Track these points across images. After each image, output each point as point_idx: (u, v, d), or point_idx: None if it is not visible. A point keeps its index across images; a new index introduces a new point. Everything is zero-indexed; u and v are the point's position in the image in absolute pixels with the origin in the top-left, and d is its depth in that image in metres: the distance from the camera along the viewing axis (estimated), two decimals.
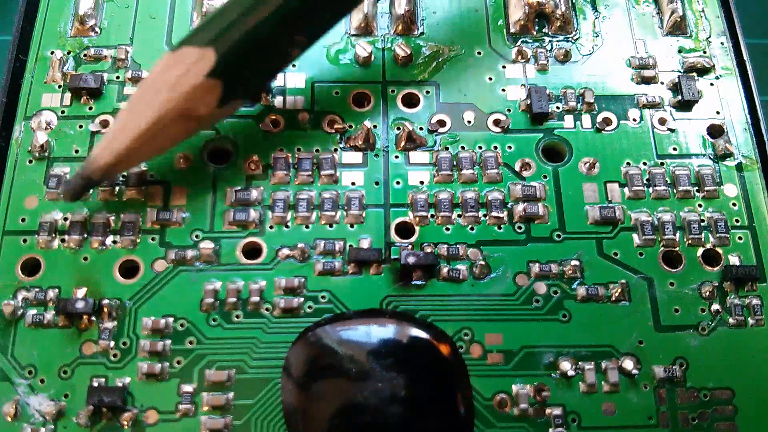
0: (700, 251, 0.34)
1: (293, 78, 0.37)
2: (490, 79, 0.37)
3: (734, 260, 0.34)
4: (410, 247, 0.33)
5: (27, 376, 0.31)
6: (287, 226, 0.34)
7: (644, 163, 0.36)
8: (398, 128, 0.36)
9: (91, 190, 0.33)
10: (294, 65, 0.37)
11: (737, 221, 0.35)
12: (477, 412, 0.31)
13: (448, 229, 0.34)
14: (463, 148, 0.36)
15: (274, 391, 0.31)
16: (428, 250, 0.33)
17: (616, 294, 0.33)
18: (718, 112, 0.37)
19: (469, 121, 0.36)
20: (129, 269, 0.33)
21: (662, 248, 0.34)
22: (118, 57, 0.37)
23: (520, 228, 0.34)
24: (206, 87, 0.30)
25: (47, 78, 0.36)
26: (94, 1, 0.38)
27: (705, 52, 0.38)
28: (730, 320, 0.33)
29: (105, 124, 0.35)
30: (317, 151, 0.35)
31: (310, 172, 0.35)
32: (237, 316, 0.32)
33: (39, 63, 0.37)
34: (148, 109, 0.30)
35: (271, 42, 0.32)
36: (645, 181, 0.35)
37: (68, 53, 0.37)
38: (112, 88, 0.36)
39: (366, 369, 0.30)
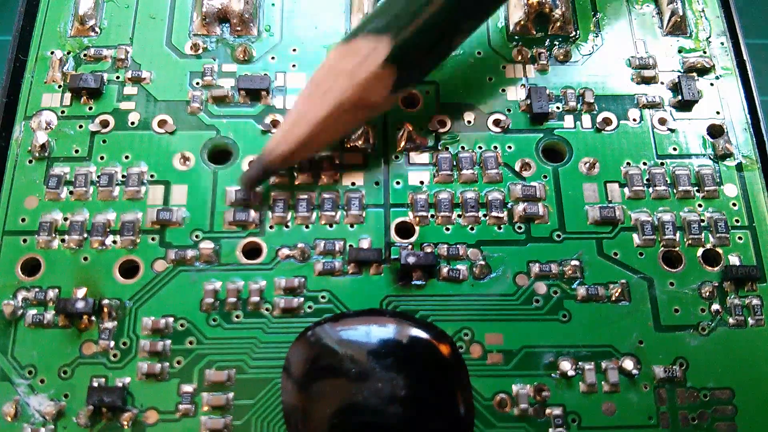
0: (700, 251, 0.34)
1: (293, 78, 0.37)
2: (490, 79, 0.37)
3: (734, 260, 0.34)
4: (410, 247, 0.33)
5: (27, 376, 0.31)
6: (287, 226, 0.34)
7: (644, 163, 0.36)
8: (398, 128, 0.36)
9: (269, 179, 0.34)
10: (294, 65, 0.37)
11: (737, 221, 0.35)
12: (477, 412, 0.31)
13: (448, 229, 0.34)
14: (463, 148, 0.36)
15: (274, 391, 0.31)
16: (428, 250, 0.33)
17: (616, 294, 0.33)
18: (718, 112, 0.37)
19: (469, 121, 0.36)
20: (129, 269, 0.33)
21: (662, 248, 0.34)
22: (118, 57, 0.37)
23: (520, 228, 0.34)
24: (382, 75, 0.31)
25: (47, 78, 0.36)
26: (94, 1, 0.38)
27: (705, 52, 0.38)
28: (730, 320, 0.33)
29: (105, 124, 0.35)
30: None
31: (310, 172, 0.35)
32: (237, 316, 0.32)
33: (39, 63, 0.37)
34: (325, 99, 0.31)
35: (442, 29, 0.32)
36: (645, 181, 0.35)
37: (68, 53, 0.37)
38: (112, 88, 0.36)
39: (366, 369, 0.30)
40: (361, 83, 0.31)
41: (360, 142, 0.35)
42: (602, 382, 0.32)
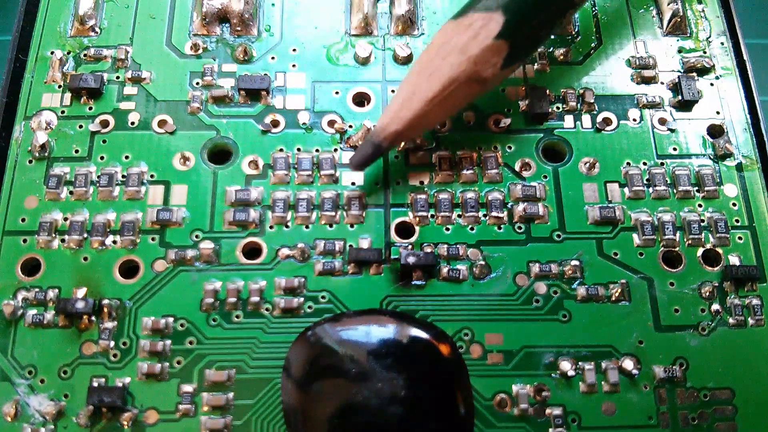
0: (700, 251, 0.34)
1: (293, 78, 0.37)
2: None
3: (734, 260, 0.34)
4: (410, 247, 0.33)
5: (27, 376, 0.31)
6: (287, 226, 0.34)
7: (644, 163, 0.36)
8: None
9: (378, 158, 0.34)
10: (294, 65, 0.37)
11: (737, 221, 0.35)
12: (477, 412, 0.31)
13: (448, 229, 0.34)
14: (463, 148, 0.36)
15: (274, 391, 0.31)
16: (428, 250, 0.33)
17: (616, 294, 0.33)
18: (718, 112, 0.37)
19: (469, 121, 0.36)
20: (129, 269, 0.33)
21: (662, 248, 0.34)
22: (118, 57, 0.37)
23: (520, 228, 0.34)
24: (494, 48, 0.32)
25: (47, 78, 0.36)
26: (94, 1, 0.38)
27: (705, 52, 0.38)
28: (730, 320, 0.33)
29: (105, 124, 0.35)
30: (317, 151, 0.35)
31: (310, 172, 0.35)
32: (237, 316, 0.32)
33: (39, 63, 0.37)
34: (437, 75, 0.32)
35: (555, 3, 0.33)
36: (645, 181, 0.35)
37: (68, 53, 0.37)
38: (112, 88, 0.36)
39: (366, 369, 0.30)
40: (474, 58, 0.31)
41: (360, 142, 0.35)
42: (602, 382, 0.32)
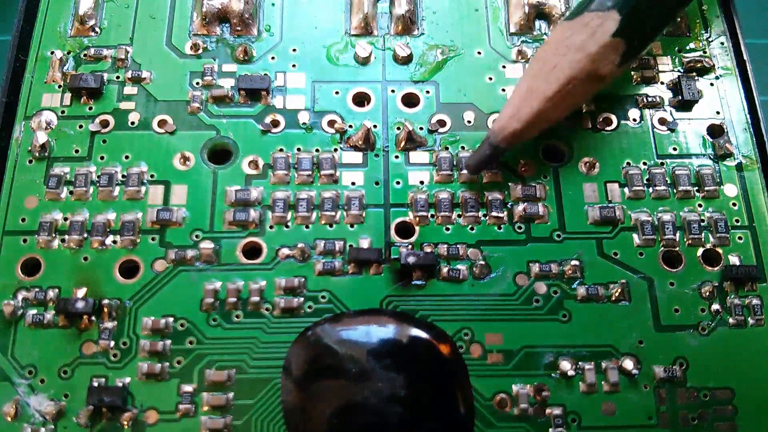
0: (700, 251, 0.34)
1: (293, 78, 0.37)
2: (490, 79, 0.37)
3: (734, 260, 0.34)
4: (410, 247, 0.33)
5: (27, 376, 0.31)
6: (287, 226, 0.34)
7: (644, 163, 0.36)
8: (398, 128, 0.36)
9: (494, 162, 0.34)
10: (294, 65, 0.37)
11: (737, 221, 0.35)
12: (477, 412, 0.31)
13: (448, 229, 0.34)
14: (463, 148, 0.36)
15: (274, 391, 0.31)
16: (428, 250, 0.33)
17: (616, 294, 0.33)
18: (718, 112, 0.37)
19: (469, 121, 0.36)
20: (129, 269, 0.33)
21: (662, 248, 0.34)
22: (118, 57, 0.37)
23: (520, 228, 0.34)
24: (612, 46, 0.32)
25: (47, 78, 0.36)
26: (94, 1, 0.38)
27: (705, 52, 0.38)
28: (730, 320, 0.33)
29: (105, 124, 0.35)
30: (317, 151, 0.35)
31: (310, 172, 0.35)
32: (237, 316, 0.32)
33: (39, 63, 0.37)
34: (554, 74, 0.32)
35: (666, 1, 0.34)
36: (645, 181, 0.35)
37: (68, 53, 0.37)
38: (112, 88, 0.36)
39: (366, 369, 0.30)
40: (593, 55, 0.32)
41: (360, 142, 0.35)
42: (602, 382, 0.32)
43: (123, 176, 0.34)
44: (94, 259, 0.33)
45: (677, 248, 0.34)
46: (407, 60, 0.37)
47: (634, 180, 0.35)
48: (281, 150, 0.35)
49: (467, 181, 0.35)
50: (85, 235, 0.33)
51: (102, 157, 0.35)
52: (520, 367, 0.32)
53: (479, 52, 0.38)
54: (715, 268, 0.34)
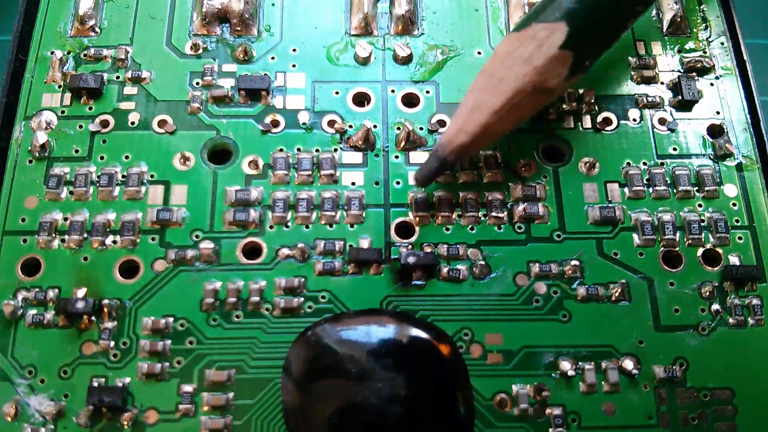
0: (700, 251, 0.34)
1: (293, 78, 0.37)
2: None
3: (734, 260, 0.34)
4: (410, 247, 0.33)
5: (27, 376, 0.31)
6: (287, 226, 0.34)
7: (644, 163, 0.36)
8: (398, 128, 0.36)
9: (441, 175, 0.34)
10: (294, 65, 0.37)
11: (737, 221, 0.35)
12: (477, 412, 0.31)
13: (448, 229, 0.34)
14: None
15: (274, 391, 0.31)
16: (428, 250, 0.33)
17: (616, 294, 0.33)
18: (718, 112, 0.37)
19: None
20: (129, 269, 0.33)
21: (662, 248, 0.34)
22: (118, 57, 0.37)
23: (520, 228, 0.34)
24: (559, 58, 0.32)
25: (47, 78, 0.36)
26: (94, 1, 0.38)
27: (705, 52, 0.38)
28: (730, 320, 0.33)
29: (105, 124, 0.35)
30: (317, 151, 0.35)
31: (310, 172, 0.35)
32: (237, 316, 0.32)
33: (39, 63, 0.37)
34: (501, 86, 0.32)
35: (617, 13, 0.33)
36: (645, 181, 0.35)
37: (68, 53, 0.37)
38: (112, 88, 0.36)
39: (366, 369, 0.30)
40: (539, 68, 0.32)
41: (360, 142, 0.35)
42: (602, 382, 0.32)
43: (123, 176, 0.34)
44: (94, 259, 0.33)
45: (677, 248, 0.34)
46: (407, 60, 0.37)
47: (634, 180, 0.35)
48: (281, 150, 0.35)
49: (420, 186, 0.34)
50: (85, 235, 0.33)
51: (102, 157, 0.35)
52: (520, 367, 0.32)
53: (479, 52, 0.38)
54: (715, 268, 0.34)
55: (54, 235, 0.33)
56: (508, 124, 0.33)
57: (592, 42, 0.33)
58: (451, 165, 0.33)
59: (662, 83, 0.37)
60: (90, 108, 0.36)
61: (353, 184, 0.35)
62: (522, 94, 0.32)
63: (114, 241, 0.33)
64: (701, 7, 0.40)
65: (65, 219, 0.33)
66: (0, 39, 0.48)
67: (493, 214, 0.34)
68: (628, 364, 0.32)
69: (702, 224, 0.34)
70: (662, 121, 0.37)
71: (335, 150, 0.35)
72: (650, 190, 0.35)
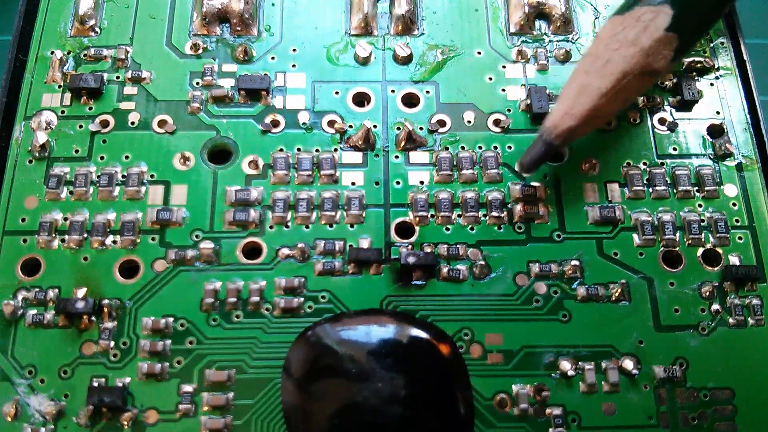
0: (700, 251, 0.34)
1: (293, 78, 0.37)
2: (490, 79, 0.37)
3: (734, 260, 0.34)
4: (410, 247, 0.33)
5: (27, 376, 0.31)
6: (287, 226, 0.34)
7: (644, 163, 0.36)
8: (398, 128, 0.36)
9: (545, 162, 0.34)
10: (294, 65, 0.37)
11: (737, 221, 0.35)
12: (477, 412, 0.31)
13: (448, 229, 0.34)
14: (463, 148, 0.36)
15: (274, 391, 0.31)
16: (428, 250, 0.33)
17: (616, 294, 0.33)
18: (718, 112, 0.37)
19: (469, 121, 0.36)
20: (129, 269, 0.33)
21: (662, 248, 0.34)
22: (118, 57, 0.37)
23: (520, 228, 0.34)
24: (665, 40, 0.32)
25: (47, 78, 0.36)
26: (94, 1, 0.38)
27: (705, 52, 0.38)
28: (730, 320, 0.33)
29: (105, 124, 0.35)
30: (317, 151, 0.35)
31: (310, 172, 0.35)
32: (237, 316, 0.32)
33: (39, 63, 0.37)
34: (607, 69, 0.32)
35: None
36: (645, 181, 0.35)
37: (68, 53, 0.37)
38: (112, 88, 0.36)
39: (366, 369, 0.30)
40: (646, 50, 0.32)
41: (360, 142, 0.35)
42: (602, 382, 0.32)
43: (123, 176, 0.34)
44: (94, 259, 0.33)
45: (677, 248, 0.34)
46: (407, 60, 0.37)
47: (634, 180, 0.35)
48: (281, 150, 0.35)
49: (525, 174, 0.34)
50: (85, 235, 0.33)
51: (102, 157, 0.35)
52: (520, 367, 0.32)
53: (479, 52, 0.38)
54: (715, 268, 0.34)
55: (54, 235, 0.33)
56: (616, 107, 0.33)
57: (695, 24, 0.33)
58: (558, 149, 0.33)
59: (662, 83, 0.37)
60: (90, 108, 0.36)
61: (353, 184, 0.35)
62: (629, 76, 0.32)
63: (114, 241, 0.33)
64: None
65: (65, 219, 0.33)
66: (0, 39, 0.48)
67: (493, 214, 0.34)
68: (628, 364, 0.32)
69: (702, 224, 0.34)
70: (662, 121, 0.37)
71: (335, 150, 0.35)
72: (650, 190, 0.35)
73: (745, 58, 0.38)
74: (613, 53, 0.32)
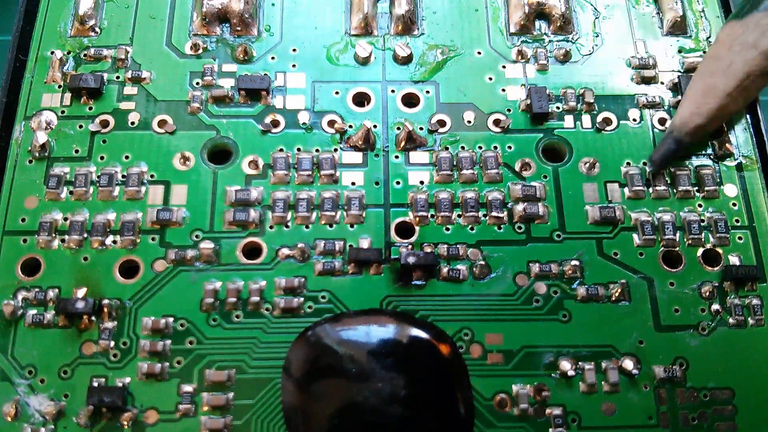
0: (700, 251, 0.34)
1: (293, 78, 0.37)
2: (490, 79, 0.37)
3: (734, 260, 0.34)
4: (410, 247, 0.33)
5: (27, 376, 0.31)
6: (287, 226, 0.34)
7: (644, 163, 0.36)
8: (398, 128, 0.36)
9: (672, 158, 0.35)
10: (294, 65, 0.37)
11: (737, 221, 0.35)
12: (477, 412, 0.31)
13: (448, 229, 0.34)
14: (463, 148, 0.36)
15: (274, 391, 0.31)
16: (428, 250, 0.33)
17: (616, 294, 0.33)
18: None
19: (469, 121, 0.36)
20: (129, 269, 0.33)
21: (662, 248, 0.34)
22: (118, 57, 0.37)
23: (520, 228, 0.34)
24: None
25: (47, 78, 0.36)
26: (94, 1, 0.38)
27: (705, 52, 0.38)
28: (730, 320, 0.33)
29: (105, 124, 0.35)
30: (317, 151, 0.35)
31: (310, 172, 0.35)
32: (237, 316, 0.32)
33: (39, 63, 0.37)
34: (731, 71, 0.35)
35: None
36: (645, 181, 0.35)
37: (68, 53, 0.37)
38: (111, 88, 0.36)
39: (366, 369, 0.30)
40: (765, 52, 0.34)
41: (360, 142, 0.35)
42: (602, 382, 0.32)
43: (123, 176, 0.34)
44: (94, 259, 0.33)
45: (677, 248, 0.34)
46: (407, 60, 0.37)
47: (634, 180, 0.35)
48: (281, 150, 0.35)
49: (655, 172, 0.35)
50: (85, 235, 0.33)
51: (102, 157, 0.35)
52: (520, 367, 0.32)
53: (479, 52, 0.38)
54: (715, 268, 0.34)
55: (54, 235, 0.33)
56: (739, 105, 0.36)
57: None
58: (688, 145, 0.35)
59: (662, 83, 0.37)
60: (90, 108, 0.36)
61: (353, 184, 0.35)
62: (751, 77, 0.35)
63: (114, 241, 0.33)
64: (701, 7, 0.40)
65: (65, 219, 0.33)
66: (0, 39, 0.48)
67: (493, 214, 0.34)
68: (628, 364, 0.32)
69: (702, 224, 0.34)
70: (662, 121, 0.37)
71: (335, 150, 0.35)
72: (650, 190, 0.35)
73: None
74: (735, 56, 0.35)
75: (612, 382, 0.31)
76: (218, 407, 0.31)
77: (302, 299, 0.32)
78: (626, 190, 0.35)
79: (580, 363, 0.32)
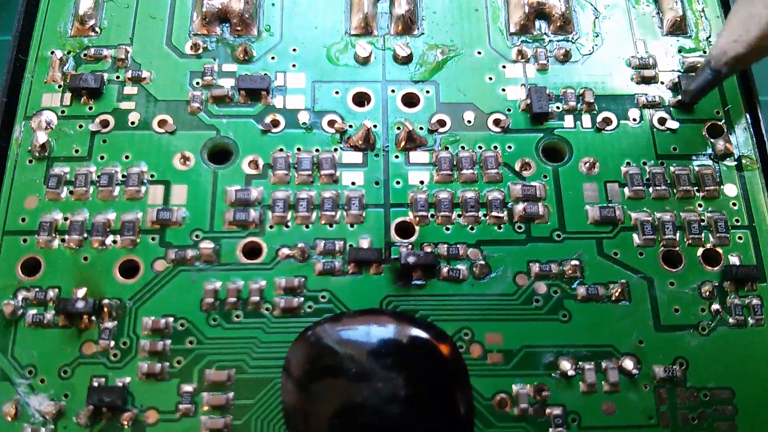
0: (700, 251, 0.34)
1: (293, 78, 0.37)
2: (490, 79, 0.37)
3: (734, 260, 0.34)
4: (410, 247, 0.33)
5: (27, 376, 0.31)
6: (287, 226, 0.34)
7: (644, 163, 0.36)
8: (398, 128, 0.36)
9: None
10: (294, 65, 0.37)
11: (737, 221, 0.35)
12: (477, 412, 0.31)
13: (448, 229, 0.34)
14: (463, 148, 0.36)
15: (274, 391, 0.31)
16: (428, 250, 0.33)
17: (616, 294, 0.33)
18: (717, 112, 0.37)
19: (469, 121, 0.36)
20: (129, 269, 0.33)
21: (662, 248, 0.34)
22: (118, 57, 0.37)
23: (520, 228, 0.34)
24: None
25: (47, 78, 0.36)
26: (94, 1, 0.38)
27: (705, 52, 0.38)
28: (730, 320, 0.33)
29: (105, 123, 0.35)
30: (317, 150, 0.35)
31: (310, 172, 0.35)
32: (237, 316, 0.32)
33: (39, 63, 0.37)
34: None
35: None
36: (645, 181, 0.35)
37: (68, 53, 0.37)
38: (112, 88, 0.36)
39: (366, 369, 0.30)
40: None
41: (360, 142, 0.35)
42: (602, 382, 0.32)
43: (123, 176, 0.34)
44: (94, 259, 0.33)
45: (677, 248, 0.34)
46: (407, 60, 0.37)
47: (634, 180, 0.35)
48: (281, 150, 0.35)
49: (689, 102, 0.35)
50: (85, 235, 0.33)
51: (102, 157, 0.35)
52: (520, 367, 0.32)
53: (479, 52, 0.38)
54: (715, 268, 0.34)
55: (54, 235, 0.33)
56: None
57: None
58: (725, 77, 0.33)
59: (662, 83, 0.37)
60: (90, 108, 0.36)
61: (353, 183, 0.35)
62: None
63: (114, 241, 0.33)
64: (701, 7, 0.40)
65: (65, 219, 0.33)
66: (0, 39, 0.48)
67: (493, 214, 0.34)
68: (628, 364, 0.32)
69: (702, 224, 0.34)
70: (662, 121, 0.37)
71: (335, 150, 0.35)
72: (650, 190, 0.35)
73: None
74: None
75: (612, 382, 0.31)
76: (218, 407, 0.31)
77: (302, 299, 0.32)
78: (626, 189, 0.35)
79: (580, 363, 0.32)
